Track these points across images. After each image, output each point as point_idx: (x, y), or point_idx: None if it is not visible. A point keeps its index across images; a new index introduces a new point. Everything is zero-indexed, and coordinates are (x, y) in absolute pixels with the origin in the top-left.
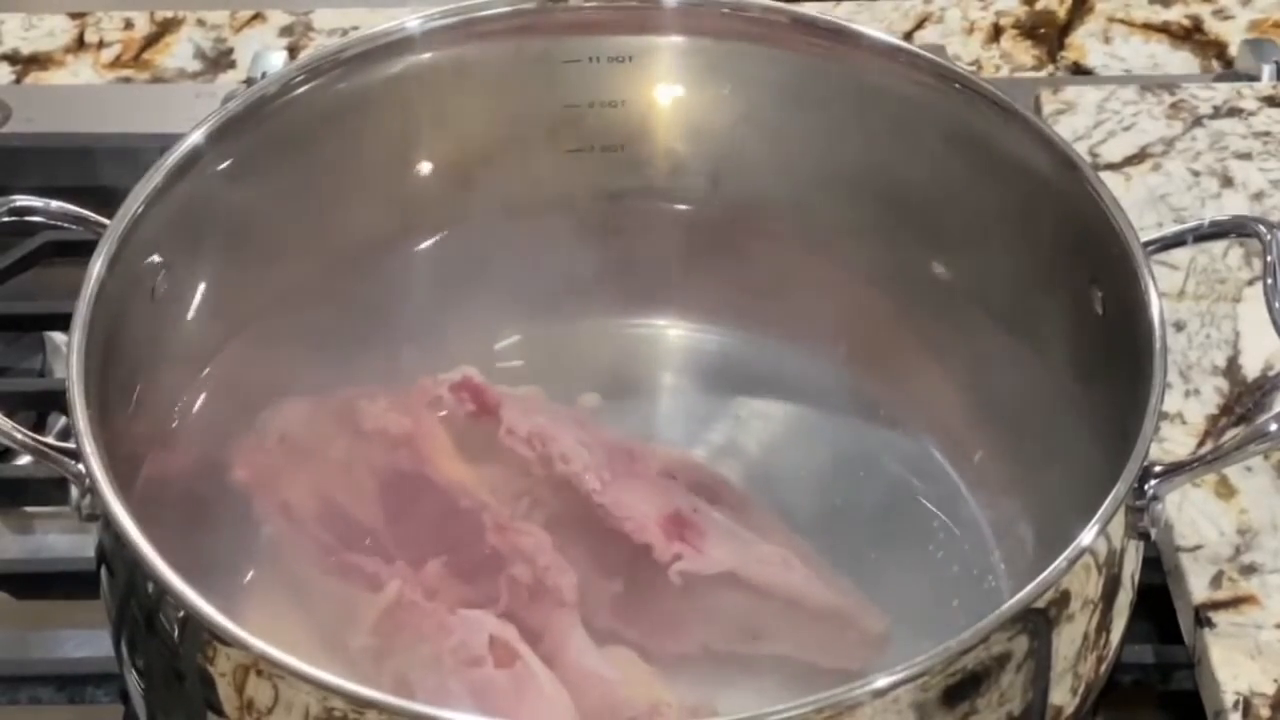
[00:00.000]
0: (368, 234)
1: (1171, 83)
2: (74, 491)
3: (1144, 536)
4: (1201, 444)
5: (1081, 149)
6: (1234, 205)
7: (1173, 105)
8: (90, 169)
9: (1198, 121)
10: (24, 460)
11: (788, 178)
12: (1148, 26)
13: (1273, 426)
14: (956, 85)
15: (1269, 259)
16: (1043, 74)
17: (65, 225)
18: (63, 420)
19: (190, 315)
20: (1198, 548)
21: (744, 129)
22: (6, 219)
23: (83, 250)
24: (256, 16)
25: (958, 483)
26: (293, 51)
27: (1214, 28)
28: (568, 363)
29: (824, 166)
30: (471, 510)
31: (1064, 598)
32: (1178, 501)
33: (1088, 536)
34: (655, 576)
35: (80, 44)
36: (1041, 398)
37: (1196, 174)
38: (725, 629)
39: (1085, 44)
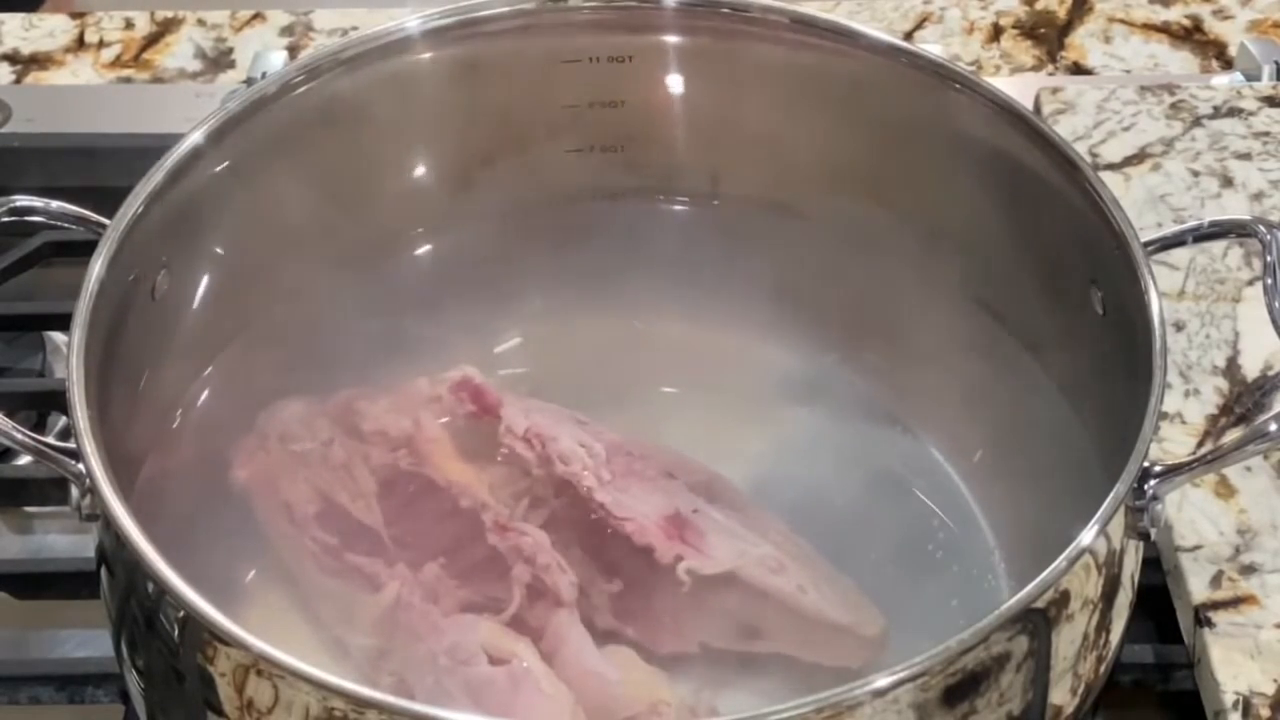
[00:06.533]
0: (368, 234)
1: (1171, 83)
2: (74, 491)
3: (1144, 536)
4: (1201, 444)
5: (1081, 149)
6: (1234, 205)
7: (1173, 105)
8: (90, 169)
9: (1197, 121)
10: (24, 460)
11: (788, 178)
12: (1148, 26)
13: (1272, 426)
14: (956, 85)
15: (1269, 259)
16: (1043, 74)
17: (65, 225)
18: (63, 420)
19: (190, 315)
20: (1197, 548)
21: (744, 129)
22: (6, 219)
23: (83, 250)
24: (256, 16)
25: (958, 483)
26: (293, 51)
27: (1214, 28)
28: (568, 363)
29: (824, 166)
30: (471, 510)
31: (1064, 598)
32: (1177, 501)
33: (1088, 536)
34: (655, 576)
35: (80, 44)
36: (1041, 397)
37: (1196, 174)
38: (725, 628)
39: (1085, 44)
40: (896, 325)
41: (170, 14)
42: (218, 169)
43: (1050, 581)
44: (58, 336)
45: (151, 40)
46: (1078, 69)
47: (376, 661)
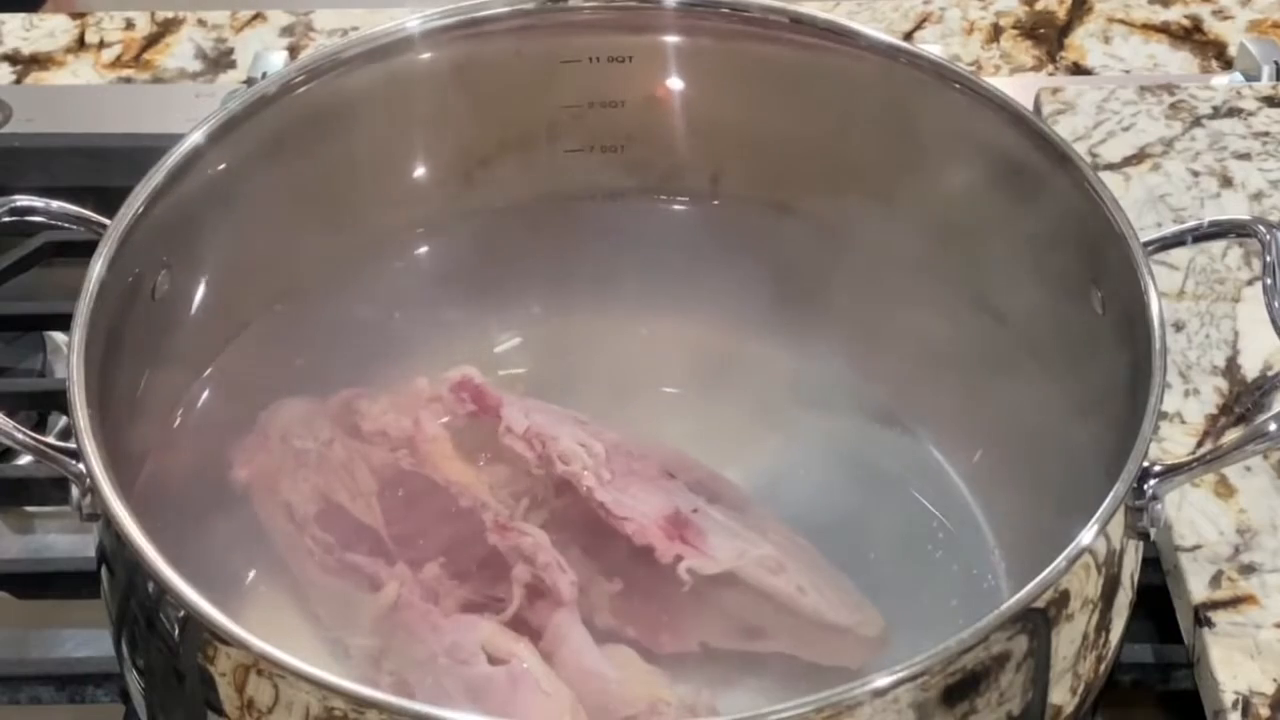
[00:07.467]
0: (368, 234)
1: (1171, 83)
2: (74, 491)
3: (1143, 536)
4: (1201, 444)
5: (1081, 149)
6: (1233, 205)
7: (1172, 105)
8: (90, 169)
9: (1197, 121)
10: (24, 460)
11: (787, 178)
12: (1147, 26)
13: (1272, 426)
14: (956, 85)
15: (1268, 259)
16: (1042, 74)
17: (65, 225)
18: (63, 420)
19: (191, 315)
20: (1197, 547)
21: (744, 129)
22: (7, 219)
23: (83, 250)
24: (257, 16)
25: (958, 483)
26: (293, 51)
27: (1213, 28)
28: (568, 363)
29: (824, 166)
30: (471, 510)
31: (1063, 597)
32: (1177, 501)
33: (1087, 536)
34: (655, 576)
35: (81, 44)
36: (1041, 397)
37: (1196, 174)
38: (725, 628)
39: (1085, 44)
40: (896, 325)
41: (170, 14)
42: (218, 169)
43: (1050, 581)
44: (58, 336)
45: (152, 40)
46: (1077, 69)
47: (377, 661)
